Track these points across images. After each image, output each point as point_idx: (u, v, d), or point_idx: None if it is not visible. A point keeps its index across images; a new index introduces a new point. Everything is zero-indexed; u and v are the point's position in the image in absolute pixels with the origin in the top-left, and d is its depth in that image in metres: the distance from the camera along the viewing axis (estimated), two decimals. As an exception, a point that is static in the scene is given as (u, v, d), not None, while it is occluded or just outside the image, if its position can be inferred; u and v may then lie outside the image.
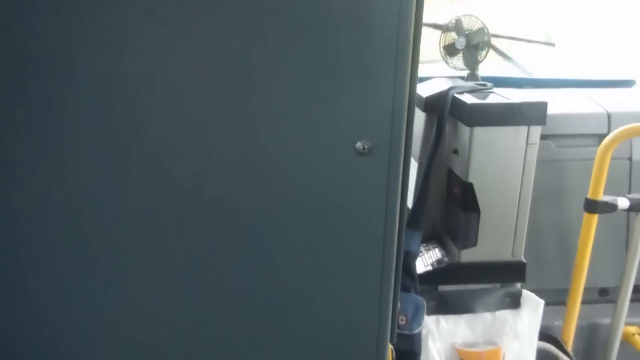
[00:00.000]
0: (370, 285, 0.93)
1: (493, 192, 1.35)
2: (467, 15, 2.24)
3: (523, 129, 1.33)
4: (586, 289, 1.89)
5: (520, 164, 1.34)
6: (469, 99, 1.36)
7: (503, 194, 1.36)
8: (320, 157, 0.85)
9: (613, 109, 1.93)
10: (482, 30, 2.19)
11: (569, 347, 1.79)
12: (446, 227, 1.51)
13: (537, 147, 1.34)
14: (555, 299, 1.88)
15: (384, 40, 0.79)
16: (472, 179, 1.34)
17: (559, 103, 2.03)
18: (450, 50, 2.27)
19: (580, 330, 1.84)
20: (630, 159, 1.90)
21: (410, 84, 0.83)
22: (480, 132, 1.31)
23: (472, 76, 2.30)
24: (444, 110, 1.39)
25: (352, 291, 0.92)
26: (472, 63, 2.27)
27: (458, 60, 2.28)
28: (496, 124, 1.31)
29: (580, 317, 1.83)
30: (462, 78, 2.34)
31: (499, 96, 1.39)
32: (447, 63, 2.28)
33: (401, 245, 0.92)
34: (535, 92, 2.17)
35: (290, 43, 0.79)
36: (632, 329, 1.86)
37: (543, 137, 1.89)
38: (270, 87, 0.81)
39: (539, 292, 1.92)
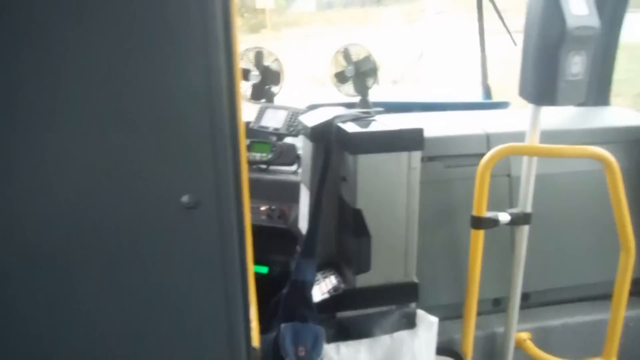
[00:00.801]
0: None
1: (381, 216, 1.39)
2: (353, 44, 2.33)
3: (404, 155, 1.38)
4: (480, 301, 1.98)
5: (404, 188, 1.39)
6: (351, 127, 1.39)
7: (391, 217, 1.40)
8: (144, 212, 0.81)
9: (491, 129, 2.06)
10: (368, 58, 2.28)
11: (469, 358, 1.86)
12: (341, 253, 1.52)
13: (418, 171, 1.40)
14: (453, 313, 1.96)
15: (197, 101, 0.78)
16: (360, 205, 1.37)
17: (444, 125, 2.14)
18: (340, 77, 2.35)
19: (478, 341, 1.92)
20: (509, 175, 2.03)
21: (233, 138, 0.80)
22: (363, 159, 1.35)
23: (364, 102, 2.39)
24: (330, 140, 1.42)
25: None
26: (362, 89, 2.36)
27: (349, 87, 2.36)
28: (378, 151, 1.35)
29: (477, 328, 1.91)
30: (353, 104, 2.42)
31: (380, 124, 1.44)
32: (338, 90, 2.35)
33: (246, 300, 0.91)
34: (420, 116, 2.27)
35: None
36: (524, 335, 1.97)
37: (431, 158, 1.99)
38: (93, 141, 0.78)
39: (437, 309, 1.99)
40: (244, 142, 0.85)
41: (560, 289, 2.11)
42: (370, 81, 2.30)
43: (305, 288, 1.37)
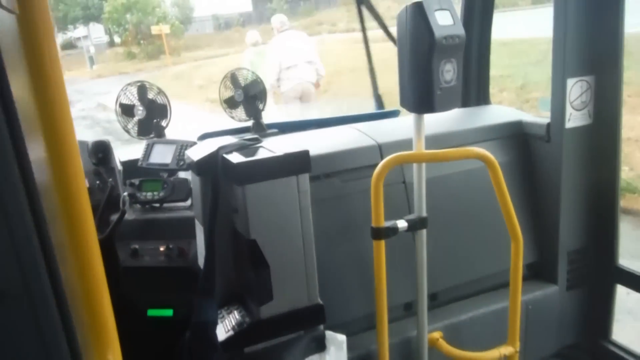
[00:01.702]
0: None
1: (277, 244, 1.38)
2: (240, 69, 2.32)
3: (292, 179, 1.37)
4: (392, 307, 2.01)
5: (297, 212, 1.39)
6: (236, 158, 1.37)
7: (287, 244, 1.39)
8: None
9: (382, 139, 2.12)
10: (256, 82, 2.28)
11: (387, 367, 1.88)
12: (242, 287, 1.49)
13: (308, 193, 1.40)
14: (368, 324, 1.98)
15: None
16: (254, 235, 1.35)
17: (338, 141, 2.18)
18: (230, 103, 2.33)
19: (393, 348, 1.95)
20: (404, 182, 2.10)
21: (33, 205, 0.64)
22: (251, 189, 1.33)
23: (257, 125, 2.38)
24: (216, 172, 1.39)
25: None
26: (254, 113, 2.35)
27: (240, 111, 2.34)
28: (265, 178, 1.34)
29: (391, 335, 1.94)
30: (248, 128, 2.40)
31: (266, 150, 1.43)
32: (230, 116, 2.33)
33: None
34: (314, 134, 2.30)
35: None
36: (436, 335, 2.03)
37: (328, 175, 2.01)
38: None
39: (352, 323, 2.01)
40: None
41: (464, 284, 2.20)
42: (260, 104, 2.29)
43: (207, 329, 1.33)
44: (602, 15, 2.09)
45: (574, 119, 2.16)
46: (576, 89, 2.14)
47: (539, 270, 2.33)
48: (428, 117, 1.90)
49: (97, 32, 28.71)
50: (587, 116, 2.18)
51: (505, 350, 1.96)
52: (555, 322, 2.29)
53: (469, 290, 2.23)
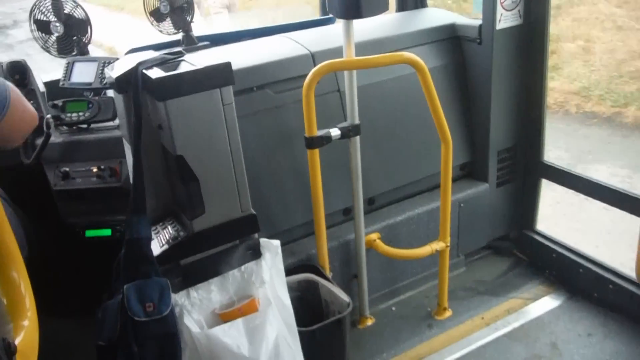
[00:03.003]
0: None
1: (205, 158, 1.38)
2: (163, -21, 2.19)
3: (215, 92, 1.35)
4: (331, 214, 2.10)
5: (222, 125, 1.38)
6: (155, 73, 1.33)
7: (215, 157, 1.39)
8: None
9: (315, 48, 2.10)
10: (182, -8, 2.16)
11: (327, 270, 1.99)
12: (174, 202, 1.51)
13: (233, 105, 1.39)
14: (309, 230, 2.06)
15: None
16: (180, 151, 1.35)
17: (270, 51, 2.13)
18: (157, 15, 2.22)
19: (333, 251, 2.06)
20: (339, 90, 2.10)
21: None
22: (173, 104, 1.31)
23: (188, 38, 2.29)
24: (137, 89, 1.35)
25: None
26: (182, 25, 2.26)
27: (168, 24, 2.24)
28: (186, 93, 1.31)
29: (331, 239, 2.04)
30: (178, 42, 2.32)
31: (188, 64, 1.39)
32: (157, 29, 2.23)
33: None
34: (246, 45, 2.24)
35: None
36: (373, 236, 2.14)
37: (260, 86, 2.00)
38: None
39: (293, 230, 2.09)
40: None
41: (400, 187, 2.29)
42: (188, 16, 2.19)
43: (141, 244, 1.35)
44: None
45: (505, 19, 2.18)
46: (507, -12, 2.13)
47: (471, 170, 2.44)
48: (364, 24, 1.87)
49: None
50: (518, 16, 2.20)
51: (437, 245, 2.09)
52: (486, 217, 2.44)
53: (405, 192, 2.32)
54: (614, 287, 2.10)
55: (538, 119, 2.30)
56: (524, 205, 2.48)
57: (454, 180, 2.20)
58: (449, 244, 2.10)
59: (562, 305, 2.24)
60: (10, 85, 1.09)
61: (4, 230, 0.88)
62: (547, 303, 2.26)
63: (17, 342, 0.84)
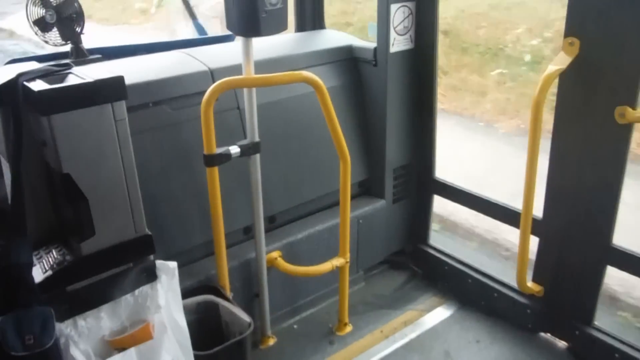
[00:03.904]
0: None
1: (94, 176, 1.30)
2: (48, -15, 2.06)
3: (107, 107, 1.29)
4: (232, 233, 2.06)
5: (114, 142, 1.31)
6: (39, 85, 1.24)
7: (105, 175, 1.32)
8: None
9: (214, 65, 2.07)
10: (70, 2, 2.06)
11: (227, 290, 1.95)
12: (61, 224, 1.41)
13: (126, 121, 1.33)
14: (209, 250, 2.01)
15: None
16: (67, 168, 1.26)
17: (167, 67, 2.07)
18: (42, 25, 2.08)
19: (234, 271, 2.02)
20: (238, 108, 2.09)
21: None
22: (59, 119, 1.22)
23: (77, 50, 2.17)
24: (17, 102, 1.25)
25: None
26: (71, 36, 2.13)
27: (55, 34, 2.11)
28: (74, 107, 1.23)
29: (231, 259, 2.00)
30: (66, 54, 2.18)
31: (76, 77, 1.31)
32: (43, 39, 2.09)
33: None
34: (140, 60, 2.16)
35: None
36: (274, 254, 2.13)
37: (156, 103, 1.93)
38: None
39: (192, 250, 2.02)
40: None
41: (300, 205, 2.31)
42: (77, 26, 2.08)
43: (21, 271, 1.24)
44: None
45: (398, 43, 2.29)
46: (399, 14, 2.25)
47: (369, 187, 2.52)
48: (263, 42, 1.88)
49: None
50: (409, 41, 2.32)
51: (337, 261, 2.13)
52: (383, 233, 2.52)
53: (306, 210, 2.35)
54: (499, 295, 2.25)
55: (429, 138, 2.44)
56: (418, 221, 2.60)
57: (353, 197, 2.26)
58: (348, 260, 2.15)
59: (454, 314, 2.36)
60: None
61: None
62: (440, 313, 2.37)
63: None
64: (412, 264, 2.66)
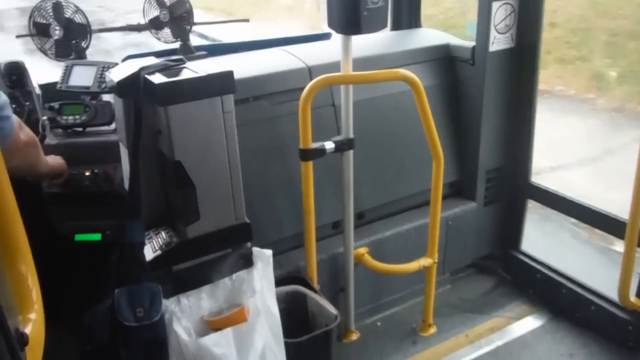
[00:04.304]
0: None
1: (202, 164, 1.39)
2: (164, -14, 2.21)
3: (216, 100, 1.37)
4: (321, 227, 2.11)
5: (221, 133, 1.40)
6: (158, 78, 1.35)
7: (212, 164, 1.40)
8: None
9: (312, 62, 2.12)
10: (182, 2, 2.19)
11: (315, 282, 2.00)
12: (169, 208, 1.51)
13: (233, 114, 1.40)
14: (298, 242, 2.07)
15: None
16: (178, 156, 1.35)
17: (267, 64, 2.16)
18: (156, 24, 2.23)
19: (322, 264, 2.07)
20: (334, 104, 2.13)
21: None
22: (174, 110, 1.32)
23: (185, 47, 2.31)
24: (138, 93, 1.36)
25: None
26: (181, 34, 2.27)
27: (167, 33, 2.25)
28: (188, 99, 1.33)
29: (320, 252, 2.05)
30: (175, 51, 2.33)
31: (190, 71, 1.41)
32: (156, 37, 2.24)
33: None
34: (244, 57, 2.26)
35: None
36: (362, 250, 2.15)
37: (256, 97, 2.01)
38: None
39: (282, 241, 2.09)
40: None
41: (389, 203, 2.31)
42: (187, 25, 2.21)
43: (134, 249, 1.35)
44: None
45: (498, 42, 2.23)
46: (501, 12, 2.19)
47: (460, 188, 2.48)
48: (359, 40, 1.91)
49: None
50: (510, 40, 2.25)
51: (425, 261, 2.11)
52: (473, 236, 2.47)
53: (395, 208, 2.35)
54: (596, 308, 2.14)
55: (526, 140, 2.35)
56: (510, 225, 2.52)
57: (444, 197, 2.23)
58: (436, 261, 2.13)
59: (545, 325, 2.27)
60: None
61: (16, 225, 0.89)
62: (530, 322, 2.29)
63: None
64: (501, 269, 2.58)
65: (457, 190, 2.49)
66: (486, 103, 2.29)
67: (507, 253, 2.54)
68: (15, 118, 1.20)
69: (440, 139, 1.98)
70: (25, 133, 1.31)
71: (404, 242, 2.26)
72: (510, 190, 2.47)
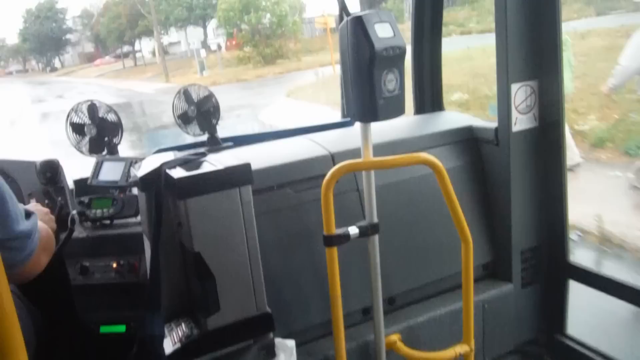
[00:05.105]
0: None
1: (222, 255, 1.40)
2: (192, 85, 2.34)
3: (234, 191, 1.40)
4: (350, 313, 2.05)
5: (240, 224, 1.41)
6: (177, 172, 1.39)
7: (232, 255, 1.41)
8: None
9: (335, 149, 2.17)
10: (209, 97, 2.31)
11: (344, 372, 1.91)
12: (190, 299, 1.51)
13: (252, 204, 1.42)
14: (326, 330, 2.01)
15: None
16: (198, 247, 1.37)
17: (291, 152, 2.21)
18: (184, 118, 2.35)
19: (351, 352, 1.98)
20: (358, 189, 2.14)
21: None
22: (193, 202, 1.35)
23: (212, 140, 2.40)
24: (159, 187, 1.41)
25: None
26: (208, 127, 2.37)
27: (194, 126, 2.36)
28: (206, 192, 1.36)
29: (349, 340, 1.97)
30: (203, 143, 2.42)
31: (210, 164, 1.45)
32: (185, 131, 2.35)
33: None
34: (268, 146, 2.33)
35: None
36: (394, 337, 2.06)
37: (281, 185, 2.04)
38: None
39: (310, 329, 2.03)
40: None
41: (421, 287, 2.24)
42: (214, 119, 2.32)
43: (154, 343, 1.34)
44: (541, 23, 2.18)
45: (520, 122, 2.23)
46: (520, 93, 2.21)
47: (494, 270, 2.39)
48: (382, 125, 1.94)
49: (196, 35, 25.39)
50: (533, 119, 2.25)
51: (461, 349, 2.00)
52: (512, 320, 2.34)
53: (426, 292, 2.27)
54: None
55: (560, 217, 2.28)
56: (552, 307, 2.38)
57: (477, 280, 2.15)
58: (473, 348, 2.01)
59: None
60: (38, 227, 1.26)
61: (12, 332, 0.87)
62: (583, 416, 2.10)
63: None
64: (547, 355, 2.42)
65: (491, 272, 2.40)
66: (514, 182, 2.25)
67: (552, 338, 2.39)
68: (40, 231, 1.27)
69: (469, 219, 1.94)
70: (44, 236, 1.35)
71: (438, 327, 2.16)
72: (549, 270, 2.36)
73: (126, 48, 37.30)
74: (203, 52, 23.08)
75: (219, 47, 27.82)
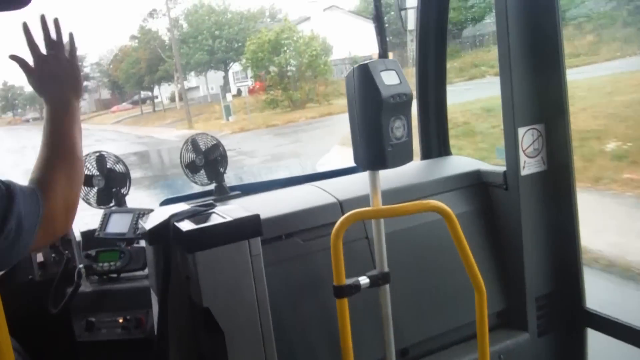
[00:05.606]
0: None
1: (231, 309, 1.36)
2: (200, 134, 2.36)
3: (243, 244, 1.38)
4: (362, 367, 1.98)
5: (250, 276, 1.38)
6: (186, 225, 1.38)
7: (241, 309, 1.37)
8: None
9: (343, 196, 2.15)
10: (216, 146, 2.32)
11: None
12: (199, 356, 1.46)
13: (261, 257, 1.40)
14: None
15: None
16: (207, 302, 1.34)
17: (298, 200, 2.19)
18: (192, 167, 2.35)
19: (365, 408, 1.90)
20: (367, 237, 2.11)
21: None
22: (202, 256, 1.33)
23: (219, 188, 2.40)
24: (168, 241, 1.39)
25: None
26: (215, 177, 2.37)
27: (202, 176, 2.36)
28: (215, 245, 1.34)
29: (363, 395, 1.90)
30: (210, 192, 2.42)
31: (218, 216, 1.44)
32: (192, 180, 2.35)
33: None
34: (276, 194, 2.32)
35: None
36: (408, 392, 1.98)
37: (289, 235, 2.02)
38: None
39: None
40: None
41: (434, 337, 2.17)
42: (221, 168, 2.32)
43: (160, 403, 1.29)
44: (546, 67, 2.19)
45: (529, 166, 2.22)
46: (527, 137, 2.20)
47: (509, 318, 2.32)
48: (390, 172, 1.94)
49: (215, 80, 25.25)
50: (541, 162, 2.24)
51: (478, 403, 1.92)
52: (530, 371, 2.26)
53: (440, 342, 2.20)
54: None
55: (574, 263, 2.23)
56: (571, 357, 2.30)
57: (492, 329, 2.08)
58: (491, 402, 1.93)
59: None
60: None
61: None
62: None
63: None
64: (570, 409, 2.32)
65: (506, 320, 2.33)
66: (525, 226, 2.22)
67: (572, 389, 2.29)
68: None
69: (481, 266, 1.90)
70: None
71: (453, 381, 2.08)
72: (566, 317, 2.30)
73: (143, 94, 37.53)
74: (229, 96, 22.17)
75: (239, 91, 27.33)
